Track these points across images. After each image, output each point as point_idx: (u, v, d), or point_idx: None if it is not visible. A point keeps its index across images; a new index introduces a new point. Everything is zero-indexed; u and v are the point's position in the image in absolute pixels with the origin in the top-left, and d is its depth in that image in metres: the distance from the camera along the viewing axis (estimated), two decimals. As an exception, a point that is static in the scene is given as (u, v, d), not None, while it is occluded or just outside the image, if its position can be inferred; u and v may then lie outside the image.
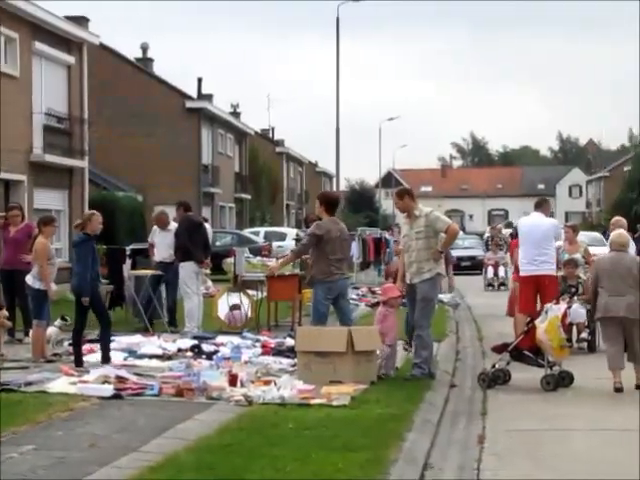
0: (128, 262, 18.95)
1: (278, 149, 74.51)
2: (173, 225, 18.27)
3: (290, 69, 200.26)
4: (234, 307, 18.00)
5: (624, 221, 15.97)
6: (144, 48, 52.27)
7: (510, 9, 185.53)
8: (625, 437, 9.57)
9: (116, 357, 13.43)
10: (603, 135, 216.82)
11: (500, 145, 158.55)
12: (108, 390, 10.90)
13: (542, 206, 15.34)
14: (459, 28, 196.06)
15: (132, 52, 52.47)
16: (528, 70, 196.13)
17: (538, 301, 14.50)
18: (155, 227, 18.65)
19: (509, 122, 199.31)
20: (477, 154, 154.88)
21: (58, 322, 14.56)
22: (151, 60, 52.24)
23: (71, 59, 29.94)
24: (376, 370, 11.98)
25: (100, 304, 13.51)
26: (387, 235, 36.12)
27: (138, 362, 13.52)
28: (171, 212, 19.10)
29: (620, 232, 13.13)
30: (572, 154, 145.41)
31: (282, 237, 43.14)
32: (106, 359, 12.95)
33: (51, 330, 14.28)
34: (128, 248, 19.81)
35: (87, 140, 30.95)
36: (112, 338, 14.34)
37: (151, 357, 13.92)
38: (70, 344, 13.99)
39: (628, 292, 12.14)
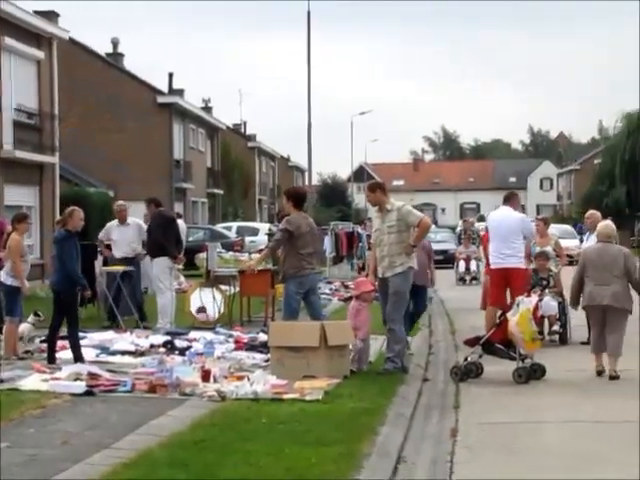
0: (99, 258, 18.87)
1: (250, 144, 74.42)
2: (131, 219, 18.29)
3: (262, 64, 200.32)
4: (200, 310, 17.96)
5: (599, 214, 16.09)
6: (114, 43, 52.03)
7: (482, 6, 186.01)
8: (597, 429, 9.65)
9: (88, 354, 13.37)
10: (574, 128, 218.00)
11: (471, 139, 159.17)
12: (80, 387, 10.86)
13: (510, 200, 15.42)
14: (432, 24, 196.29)
15: (102, 47, 52.28)
16: (499, 65, 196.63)
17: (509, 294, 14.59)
18: (111, 223, 18.55)
19: (480, 116, 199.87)
20: (449, 148, 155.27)
21: (31, 318, 14.48)
22: (122, 55, 52.03)
23: (41, 54, 29.80)
24: (349, 364, 12.00)
25: (74, 302, 13.43)
26: (360, 229, 36.17)
27: (110, 358, 13.48)
28: (138, 208, 19.06)
29: (607, 223, 13.35)
30: (543, 147, 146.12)
31: (254, 232, 43.11)
32: (78, 358, 12.85)
33: (24, 326, 14.22)
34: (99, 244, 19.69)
35: (57, 136, 30.82)
36: (84, 335, 14.32)
37: (123, 353, 13.87)
38: (42, 341, 13.93)
39: (613, 282, 12.43)
